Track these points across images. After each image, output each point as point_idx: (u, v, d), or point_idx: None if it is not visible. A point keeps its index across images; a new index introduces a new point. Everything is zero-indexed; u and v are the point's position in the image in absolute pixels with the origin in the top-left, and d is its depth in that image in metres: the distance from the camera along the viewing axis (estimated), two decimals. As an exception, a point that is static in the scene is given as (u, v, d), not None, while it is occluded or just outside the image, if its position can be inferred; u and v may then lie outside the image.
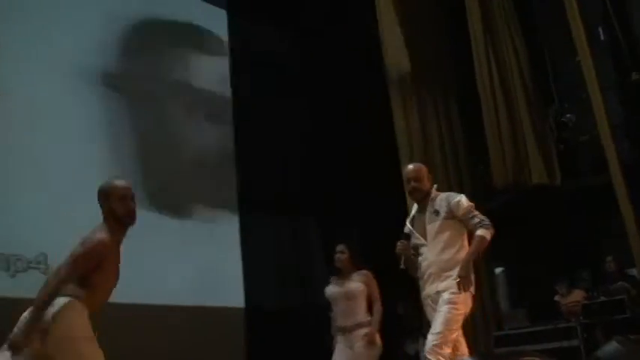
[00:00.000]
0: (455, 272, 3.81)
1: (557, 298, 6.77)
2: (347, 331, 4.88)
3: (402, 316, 7.67)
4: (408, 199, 4.27)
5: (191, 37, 7.84)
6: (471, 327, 6.54)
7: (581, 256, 6.92)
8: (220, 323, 6.77)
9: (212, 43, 8.05)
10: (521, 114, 6.65)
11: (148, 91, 7.20)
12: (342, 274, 5.01)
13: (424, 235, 4.01)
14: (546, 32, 7.57)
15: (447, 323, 3.74)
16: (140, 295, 6.05)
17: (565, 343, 5.87)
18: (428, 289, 3.96)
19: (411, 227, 4.08)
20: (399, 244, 3.98)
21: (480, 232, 3.86)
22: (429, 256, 3.96)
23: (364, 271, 5.02)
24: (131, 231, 3.17)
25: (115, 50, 6.98)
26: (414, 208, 4.15)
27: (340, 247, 5.06)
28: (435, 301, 3.88)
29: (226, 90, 7.96)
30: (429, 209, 4.02)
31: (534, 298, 6.75)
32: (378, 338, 4.82)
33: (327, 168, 7.96)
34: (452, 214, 3.96)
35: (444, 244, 3.95)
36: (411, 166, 4.20)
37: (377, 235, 7.84)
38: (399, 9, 7.39)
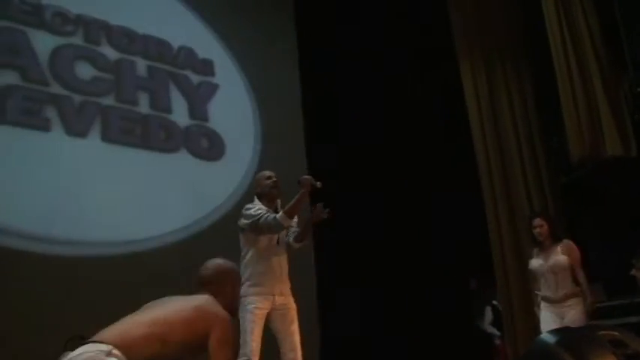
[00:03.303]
0: None
1: (633, 272, 6.74)
2: (553, 301, 5.14)
3: (475, 292, 7.79)
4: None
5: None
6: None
7: (660, 229, 6.87)
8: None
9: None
10: (595, 83, 6.61)
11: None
12: (544, 247, 5.26)
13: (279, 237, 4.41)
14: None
15: None
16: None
17: (642, 318, 5.88)
18: (276, 289, 4.32)
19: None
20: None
21: None
22: (281, 259, 4.41)
23: (565, 241, 5.26)
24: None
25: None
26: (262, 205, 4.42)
27: (538, 221, 5.31)
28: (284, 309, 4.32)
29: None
30: None
31: (611, 273, 6.73)
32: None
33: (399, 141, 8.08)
34: None
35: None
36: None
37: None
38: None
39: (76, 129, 6.12)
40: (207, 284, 2.94)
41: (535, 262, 5.31)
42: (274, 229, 4.26)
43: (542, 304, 5.23)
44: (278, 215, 4.23)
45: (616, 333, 2.92)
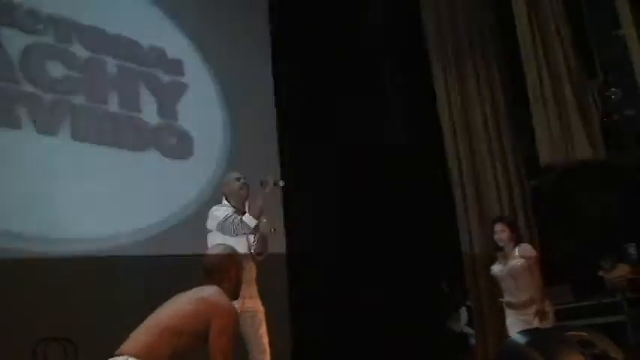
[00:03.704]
0: None
1: (601, 273, 6.86)
2: (516, 307, 5.09)
3: (447, 294, 7.85)
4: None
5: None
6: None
7: (626, 232, 6.99)
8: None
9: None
10: (564, 87, 6.72)
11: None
12: (506, 252, 5.19)
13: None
14: (589, 5, 7.59)
15: None
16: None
17: (610, 319, 5.97)
18: (245, 292, 4.19)
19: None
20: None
21: None
22: (250, 263, 4.36)
23: (523, 245, 5.18)
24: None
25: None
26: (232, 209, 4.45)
27: (499, 226, 5.24)
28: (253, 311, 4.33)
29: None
30: None
31: (579, 274, 6.86)
32: (548, 311, 4.98)
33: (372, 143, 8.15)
34: None
35: None
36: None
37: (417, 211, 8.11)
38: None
39: (46, 127, 6.14)
40: (212, 271, 3.10)
41: (495, 268, 5.27)
42: (241, 230, 4.30)
43: (507, 311, 5.20)
44: (244, 217, 4.28)
45: (584, 333, 2.99)
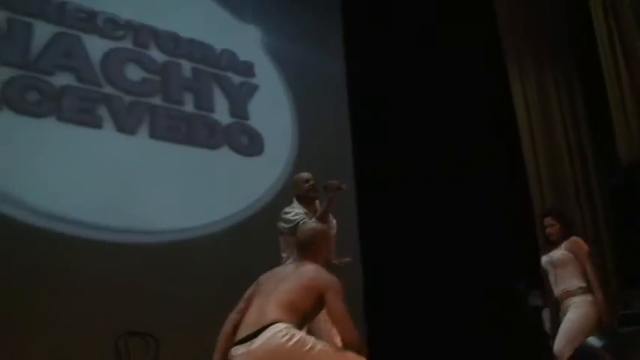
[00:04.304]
0: None
1: (684, 278, 6.59)
2: (558, 300, 4.95)
3: (523, 294, 7.71)
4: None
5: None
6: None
7: None
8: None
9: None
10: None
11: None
12: (555, 244, 5.05)
13: None
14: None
15: None
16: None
17: (691, 324, 5.73)
18: None
19: None
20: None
21: None
22: None
23: (572, 238, 5.00)
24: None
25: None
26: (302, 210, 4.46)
27: (548, 220, 5.11)
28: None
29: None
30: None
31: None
32: (591, 306, 4.72)
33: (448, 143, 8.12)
34: None
35: None
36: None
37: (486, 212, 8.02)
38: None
39: (126, 126, 6.52)
40: (307, 245, 3.35)
41: (543, 259, 5.11)
42: None
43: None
44: (312, 222, 4.30)
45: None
